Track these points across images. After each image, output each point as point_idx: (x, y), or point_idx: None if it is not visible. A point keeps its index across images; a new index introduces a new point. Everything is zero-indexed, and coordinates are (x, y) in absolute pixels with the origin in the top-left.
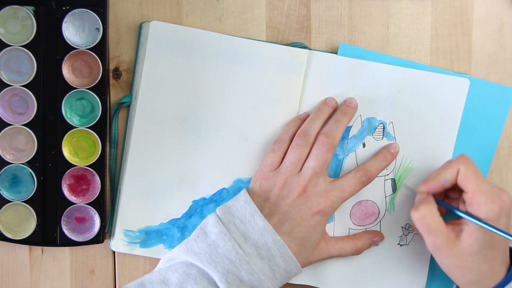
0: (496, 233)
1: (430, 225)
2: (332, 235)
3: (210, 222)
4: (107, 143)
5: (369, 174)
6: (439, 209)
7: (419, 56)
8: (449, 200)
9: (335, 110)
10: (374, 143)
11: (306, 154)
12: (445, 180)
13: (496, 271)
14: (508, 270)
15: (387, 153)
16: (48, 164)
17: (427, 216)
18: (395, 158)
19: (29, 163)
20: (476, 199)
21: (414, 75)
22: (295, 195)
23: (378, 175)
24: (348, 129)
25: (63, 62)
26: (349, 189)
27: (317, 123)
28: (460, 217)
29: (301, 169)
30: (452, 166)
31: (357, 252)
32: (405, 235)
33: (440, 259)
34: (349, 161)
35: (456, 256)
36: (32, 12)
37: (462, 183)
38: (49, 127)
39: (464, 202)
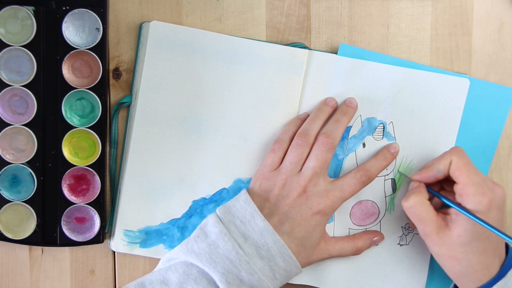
0: (481, 224)
1: (419, 214)
2: (332, 235)
3: (210, 222)
4: (107, 143)
5: (369, 174)
6: (436, 201)
7: (419, 56)
8: (445, 193)
9: (335, 110)
10: (374, 143)
11: (306, 154)
12: (437, 170)
13: (487, 265)
14: (502, 265)
15: (387, 153)
16: (48, 164)
17: (416, 206)
18: (395, 158)
19: (29, 163)
20: (466, 190)
21: (414, 75)
22: (295, 195)
23: (378, 175)
24: (348, 129)
25: (63, 62)
26: (349, 189)
27: (317, 123)
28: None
29: (301, 169)
30: (445, 157)
31: (357, 252)
32: (405, 235)
33: (431, 246)
34: (349, 161)
35: (445, 245)
36: (32, 12)
37: (454, 173)
38: (49, 127)
39: (455, 193)
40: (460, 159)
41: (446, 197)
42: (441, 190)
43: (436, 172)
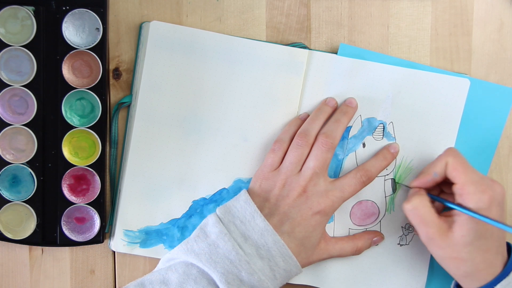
0: (485, 221)
1: (422, 216)
2: (332, 235)
3: (210, 222)
4: (107, 143)
5: (369, 174)
6: (437, 206)
7: (419, 56)
8: (445, 196)
9: (335, 110)
10: (374, 143)
11: (306, 154)
12: (435, 173)
13: (491, 263)
14: (505, 263)
15: (387, 153)
16: (48, 164)
17: (418, 208)
18: (395, 158)
19: (29, 163)
20: (466, 190)
21: (414, 75)
22: (295, 195)
23: (378, 175)
24: (348, 129)
25: (63, 62)
26: (349, 189)
27: (317, 123)
28: (453, 209)
29: (301, 169)
30: (441, 159)
31: (357, 252)
32: (405, 235)
33: (434, 250)
34: (349, 161)
35: (449, 247)
36: (32, 12)
37: (451, 174)
38: (49, 127)
39: (455, 194)
40: (456, 159)
41: (447, 199)
42: (440, 193)
43: (433, 176)
